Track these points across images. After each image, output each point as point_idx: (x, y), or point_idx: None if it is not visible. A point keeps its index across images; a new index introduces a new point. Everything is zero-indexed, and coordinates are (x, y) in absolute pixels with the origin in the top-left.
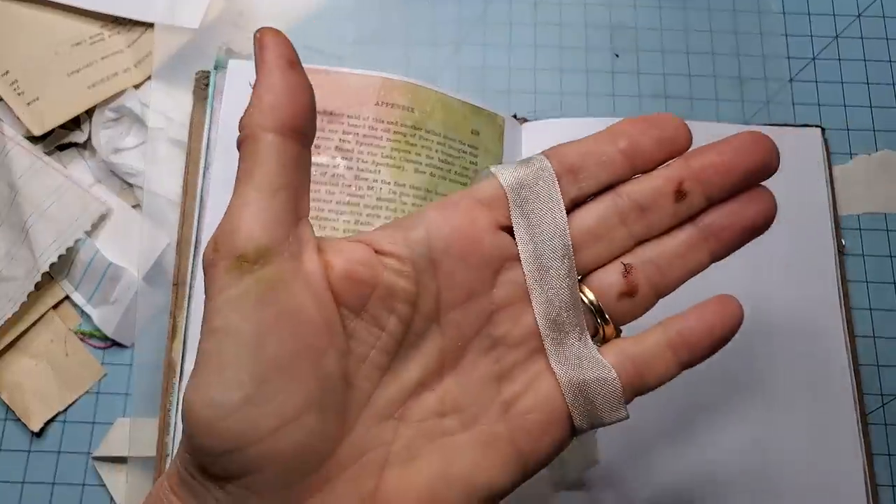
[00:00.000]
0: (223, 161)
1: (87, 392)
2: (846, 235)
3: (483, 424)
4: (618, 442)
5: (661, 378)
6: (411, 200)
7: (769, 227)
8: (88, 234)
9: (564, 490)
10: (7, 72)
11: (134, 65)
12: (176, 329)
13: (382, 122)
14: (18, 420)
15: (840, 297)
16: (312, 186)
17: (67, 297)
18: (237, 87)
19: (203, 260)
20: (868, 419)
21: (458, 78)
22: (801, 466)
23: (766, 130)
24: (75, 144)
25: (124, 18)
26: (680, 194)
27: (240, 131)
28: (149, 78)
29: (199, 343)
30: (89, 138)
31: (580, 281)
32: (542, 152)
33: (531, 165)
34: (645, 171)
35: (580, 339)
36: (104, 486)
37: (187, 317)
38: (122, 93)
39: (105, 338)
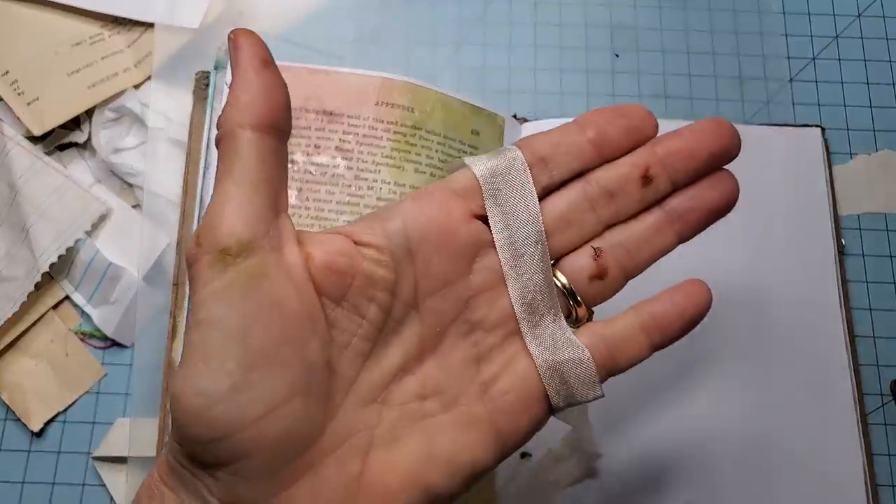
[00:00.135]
0: None
1: (87, 392)
2: (846, 235)
3: (463, 405)
4: (621, 438)
5: (633, 359)
6: None
7: (732, 208)
8: (88, 234)
9: (570, 486)
10: (7, 72)
11: (134, 65)
12: (176, 329)
13: (382, 121)
14: (18, 420)
15: (840, 296)
16: (313, 186)
17: (67, 297)
18: None
19: (186, 255)
20: (868, 419)
21: (458, 78)
22: (801, 466)
23: (766, 130)
24: (75, 144)
25: (124, 18)
26: (646, 180)
27: (218, 130)
28: (149, 78)
29: (186, 335)
30: (89, 138)
31: (553, 265)
32: (515, 143)
33: (504, 156)
34: (613, 159)
35: (554, 321)
36: (104, 486)
37: (187, 317)
38: (122, 93)
39: (105, 338)
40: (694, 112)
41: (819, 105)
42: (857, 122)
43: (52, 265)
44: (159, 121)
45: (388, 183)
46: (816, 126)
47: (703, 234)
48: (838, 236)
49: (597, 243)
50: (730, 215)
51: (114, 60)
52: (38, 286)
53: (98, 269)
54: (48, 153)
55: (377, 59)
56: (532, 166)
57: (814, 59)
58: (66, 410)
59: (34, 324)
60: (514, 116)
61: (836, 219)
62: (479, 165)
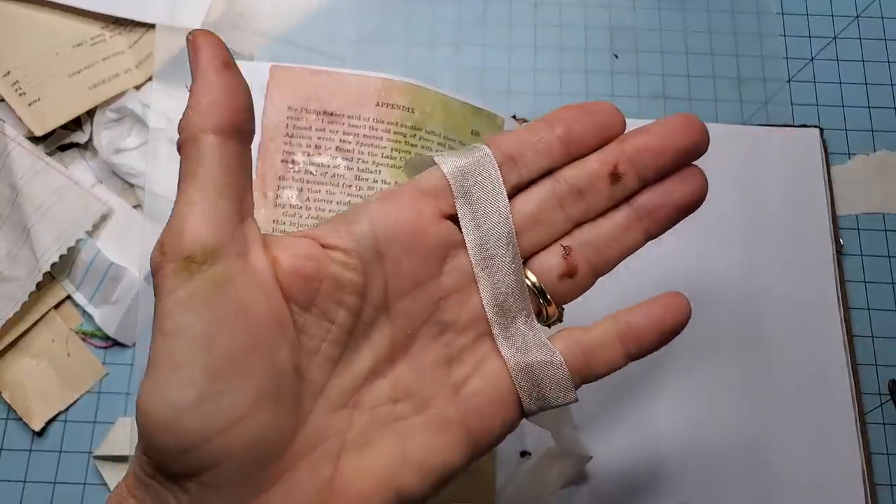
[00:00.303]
0: None
1: (88, 391)
2: (844, 235)
3: (434, 408)
4: (618, 437)
5: (609, 367)
6: None
7: (701, 204)
8: (90, 234)
9: (565, 486)
10: (9, 72)
11: (135, 65)
12: None
13: (383, 122)
14: (20, 419)
15: (838, 296)
16: (313, 186)
17: (69, 297)
18: None
19: (151, 263)
20: (866, 418)
21: (457, 78)
22: (799, 466)
23: (764, 131)
24: (77, 145)
25: (125, 19)
26: (615, 177)
27: (179, 134)
28: (150, 79)
29: (151, 345)
30: (90, 139)
31: (523, 264)
32: (483, 139)
33: (473, 154)
34: (581, 157)
35: (526, 323)
36: (105, 485)
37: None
38: (123, 93)
39: (106, 337)
40: (693, 113)
41: (817, 105)
42: (855, 122)
43: (53, 265)
44: (160, 121)
45: (389, 183)
46: (815, 126)
47: (702, 234)
48: (836, 236)
49: (566, 241)
50: (729, 215)
51: (115, 61)
52: (39, 286)
53: (99, 269)
54: (49, 154)
55: (377, 59)
56: (501, 165)
57: (812, 59)
58: (67, 410)
59: (35, 323)
60: (514, 117)
61: (835, 219)
62: (448, 163)
